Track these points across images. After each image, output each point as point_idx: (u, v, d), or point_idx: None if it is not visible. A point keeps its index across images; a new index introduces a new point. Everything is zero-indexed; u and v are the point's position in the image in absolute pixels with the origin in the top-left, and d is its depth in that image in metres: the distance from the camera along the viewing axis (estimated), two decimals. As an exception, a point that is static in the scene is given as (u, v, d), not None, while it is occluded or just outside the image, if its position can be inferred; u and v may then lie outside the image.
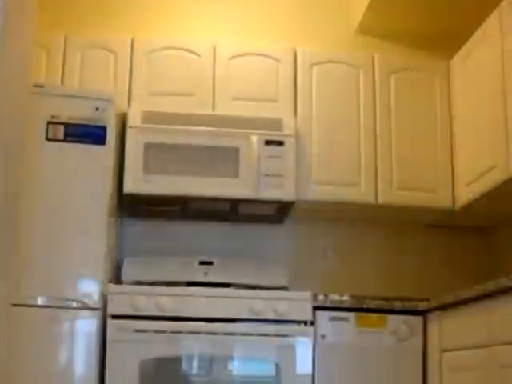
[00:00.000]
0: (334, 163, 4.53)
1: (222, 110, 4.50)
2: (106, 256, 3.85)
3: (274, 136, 4.41)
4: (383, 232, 4.93)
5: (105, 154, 3.92)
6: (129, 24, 4.92)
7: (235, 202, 4.39)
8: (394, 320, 3.90)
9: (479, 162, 4.16)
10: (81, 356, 3.62)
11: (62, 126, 3.88)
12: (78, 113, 3.90)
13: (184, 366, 3.72)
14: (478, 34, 4.26)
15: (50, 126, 3.87)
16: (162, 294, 3.73)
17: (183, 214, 4.65)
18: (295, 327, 3.78)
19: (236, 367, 3.77)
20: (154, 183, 4.25)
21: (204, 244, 4.70)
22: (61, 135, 3.88)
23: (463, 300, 3.44)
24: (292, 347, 3.73)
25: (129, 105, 4.44)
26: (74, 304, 3.67)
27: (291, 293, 3.98)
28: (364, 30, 5.09)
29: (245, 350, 3.73)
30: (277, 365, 3.71)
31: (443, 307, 3.71)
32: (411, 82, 4.72)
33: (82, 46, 4.53)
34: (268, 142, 4.40)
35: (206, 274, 4.42)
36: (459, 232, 4.93)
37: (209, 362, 3.71)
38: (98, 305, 3.69)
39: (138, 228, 4.72)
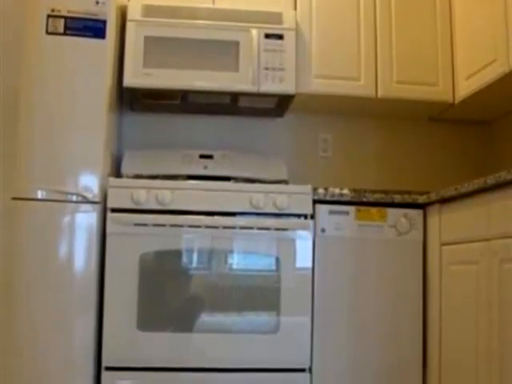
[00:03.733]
0: (334, 57, 4.31)
1: (222, 4, 4.26)
2: (106, 150, 3.70)
3: (273, 29, 4.20)
4: (383, 126, 4.75)
5: (105, 48, 3.71)
6: None
7: (235, 96, 4.22)
8: (393, 213, 3.74)
9: (479, 55, 3.97)
10: (81, 250, 3.49)
11: (62, 20, 3.66)
12: (78, 6, 3.68)
13: (184, 259, 3.56)
14: None
15: (50, 20, 3.65)
16: (161, 188, 3.55)
17: (183, 108, 4.46)
18: (295, 221, 3.60)
19: (236, 261, 3.61)
20: (153, 77, 4.07)
21: (204, 138, 4.54)
22: (61, 29, 3.66)
23: (463, 194, 3.31)
24: (292, 241, 3.58)
25: (129, -2, 4.21)
26: (74, 198, 3.53)
27: (291, 186, 3.77)
28: None
29: (245, 244, 3.57)
30: (277, 258, 3.56)
31: (443, 201, 3.57)
32: (411, -26, 4.45)
33: None
34: (268, 36, 4.20)
35: (205, 167, 4.25)
36: (459, 126, 4.77)
37: (208, 256, 3.55)
38: (98, 198, 3.55)
39: (138, 122, 4.54)
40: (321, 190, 3.80)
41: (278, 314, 3.49)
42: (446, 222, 3.53)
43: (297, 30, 4.23)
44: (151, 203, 3.50)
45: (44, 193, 3.48)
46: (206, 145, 4.47)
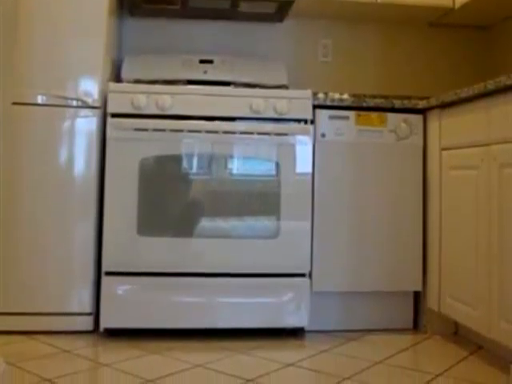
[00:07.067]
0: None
1: None
2: (106, 55, 3.55)
3: None
4: (384, 31, 4.55)
5: (104, -49, 3.52)
6: None
7: (235, 1, 3.99)
8: (393, 118, 3.57)
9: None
10: (81, 155, 3.37)
11: None
12: None
13: (184, 164, 3.40)
14: None
15: None
16: (161, 93, 3.35)
17: (183, 13, 4.23)
18: (295, 126, 3.42)
19: (236, 166, 3.43)
20: (153, -20, 3.86)
21: (204, 43, 4.33)
22: None
23: (463, 98, 3.15)
24: (292, 146, 3.39)
25: None
26: (74, 103, 3.40)
27: (291, 91, 3.58)
28: None
29: (245, 149, 3.39)
30: (276, 163, 3.39)
31: (443, 106, 3.41)
32: None
33: None
34: None
35: (205, 72, 4.05)
36: (459, 31, 4.58)
37: (208, 161, 3.38)
38: (98, 103, 3.41)
39: (138, 27, 4.31)
40: (321, 95, 3.65)
41: (278, 219, 3.35)
42: (445, 127, 3.37)
43: None
44: (151, 108, 3.32)
45: (44, 98, 3.37)
46: (206, 50, 4.26)
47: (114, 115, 3.32)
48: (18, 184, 3.30)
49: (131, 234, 3.25)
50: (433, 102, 3.43)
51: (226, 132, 3.35)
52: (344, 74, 4.44)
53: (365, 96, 3.97)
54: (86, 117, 3.37)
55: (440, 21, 4.42)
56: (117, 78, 3.98)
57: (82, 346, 3.12)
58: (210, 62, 4.09)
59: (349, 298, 3.55)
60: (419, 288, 3.55)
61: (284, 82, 4.11)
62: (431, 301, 3.45)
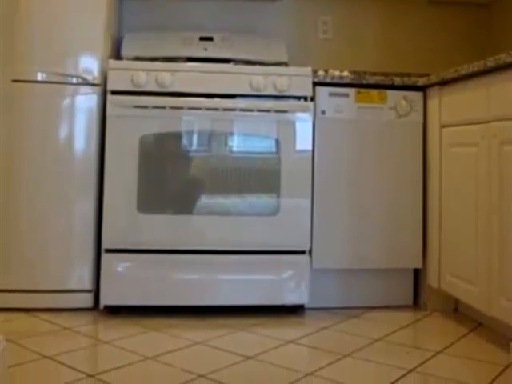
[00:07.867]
0: None
1: None
2: (106, 32, 3.49)
3: None
4: (384, 8, 4.46)
5: None
6: None
7: (235, -22, 3.94)
8: (393, 95, 3.51)
9: None
10: (81, 132, 3.33)
11: None
12: None
13: (184, 141, 3.35)
14: None
15: None
16: (161, 70, 3.30)
17: (183, -12, 4.18)
18: (295, 103, 3.37)
19: (236, 143, 3.38)
20: (153, -42, 3.79)
21: (204, 20, 4.26)
22: None
23: (463, 76, 3.11)
24: (292, 123, 3.34)
25: None
26: (74, 80, 3.35)
27: (291, 68, 3.51)
28: None
29: (245, 126, 3.33)
30: (276, 140, 3.34)
31: (443, 83, 3.36)
32: None
33: None
34: None
35: (205, 49, 3.99)
36: (459, 8, 4.51)
37: (209, 138, 3.33)
38: (98, 80, 3.36)
39: (138, 4, 4.24)
40: (321, 72, 3.61)
41: (278, 197, 3.31)
42: (445, 104, 3.32)
43: None
44: (151, 85, 3.27)
45: (44, 75, 3.32)
46: (206, 27, 4.19)
47: (114, 92, 3.27)
48: (18, 162, 3.25)
49: (131, 212, 3.21)
50: (433, 79, 3.38)
51: (225, 109, 3.29)
52: (344, 51, 4.37)
53: (365, 73, 3.96)
54: (85, 94, 3.32)
55: (440, -2, 4.36)
56: (117, 55, 3.92)
57: (82, 323, 3.09)
58: (210, 39, 4.03)
59: (349, 275, 3.51)
60: (419, 265, 3.51)
61: (284, 59, 4.05)
62: (431, 278, 3.41)
